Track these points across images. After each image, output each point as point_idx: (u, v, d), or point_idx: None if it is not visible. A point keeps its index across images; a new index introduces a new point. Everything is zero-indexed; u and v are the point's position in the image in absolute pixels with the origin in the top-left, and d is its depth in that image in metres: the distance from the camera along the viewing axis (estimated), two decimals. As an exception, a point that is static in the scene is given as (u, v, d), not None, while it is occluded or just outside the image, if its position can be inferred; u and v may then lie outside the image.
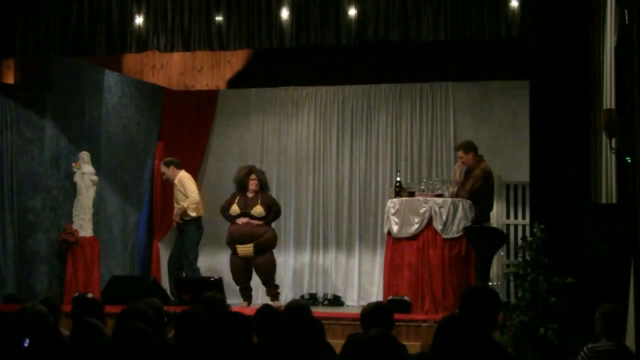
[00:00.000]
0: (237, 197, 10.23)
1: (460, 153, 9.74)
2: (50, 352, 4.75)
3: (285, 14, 8.71)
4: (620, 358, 5.41)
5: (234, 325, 4.51)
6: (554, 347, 6.82)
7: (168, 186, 12.15)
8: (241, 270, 10.12)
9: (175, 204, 10.88)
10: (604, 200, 7.35)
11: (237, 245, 10.02)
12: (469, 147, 9.72)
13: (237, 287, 10.39)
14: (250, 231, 10.03)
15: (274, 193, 12.02)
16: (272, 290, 10.16)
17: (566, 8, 7.79)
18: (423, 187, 9.74)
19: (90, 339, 4.38)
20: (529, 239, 7.26)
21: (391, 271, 9.39)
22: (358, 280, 11.61)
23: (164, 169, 10.99)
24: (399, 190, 9.54)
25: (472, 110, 11.51)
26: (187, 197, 10.75)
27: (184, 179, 10.86)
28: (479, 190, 9.49)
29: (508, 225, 11.17)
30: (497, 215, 11.08)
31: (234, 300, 9.93)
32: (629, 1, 5.90)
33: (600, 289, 6.76)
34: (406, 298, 9.01)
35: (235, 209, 10.16)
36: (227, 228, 10.27)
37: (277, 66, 11.67)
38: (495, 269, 10.40)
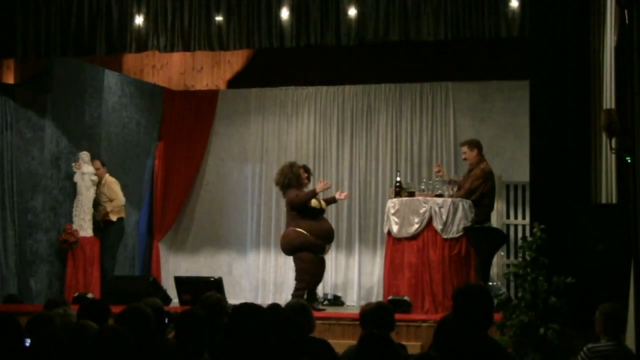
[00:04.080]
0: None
1: (465, 149, 9.78)
2: (52, 352, 4.75)
3: (285, 14, 8.72)
4: (620, 358, 5.41)
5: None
6: (554, 347, 6.82)
7: (168, 186, 12.17)
8: (320, 270, 9.75)
9: (98, 203, 10.77)
10: (604, 200, 7.35)
11: (327, 245, 9.69)
12: (474, 145, 9.75)
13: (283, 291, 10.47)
14: (332, 228, 9.91)
15: (273, 193, 12.06)
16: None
17: (566, 8, 7.78)
18: (423, 187, 9.74)
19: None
20: (529, 239, 7.26)
21: (391, 271, 9.39)
22: (358, 280, 11.61)
23: (98, 164, 10.76)
24: (399, 190, 9.54)
25: (472, 110, 11.52)
26: (111, 200, 10.69)
27: (111, 182, 10.83)
28: (477, 189, 9.49)
29: (508, 225, 11.17)
30: (497, 215, 11.08)
31: (236, 301, 9.91)
32: (629, 1, 5.90)
33: (600, 289, 6.76)
34: (406, 298, 9.01)
35: (316, 202, 9.68)
36: (312, 225, 9.57)
37: (277, 66, 11.67)
38: (495, 269, 10.40)
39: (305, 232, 9.51)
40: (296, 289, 9.60)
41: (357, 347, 4.21)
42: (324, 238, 9.62)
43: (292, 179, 9.69)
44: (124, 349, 4.10)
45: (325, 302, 10.85)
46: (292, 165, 9.86)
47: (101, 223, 10.76)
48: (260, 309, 4.74)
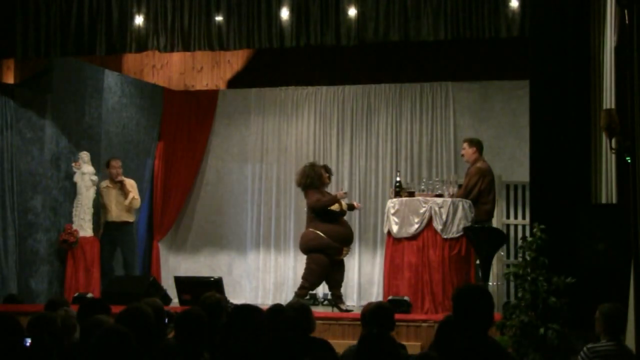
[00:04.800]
0: (326, 193, 9.71)
1: (464, 145, 9.82)
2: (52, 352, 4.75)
3: (285, 14, 8.72)
4: (620, 358, 5.41)
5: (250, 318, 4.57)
6: (554, 347, 6.82)
7: (168, 186, 12.16)
8: (329, 272, 9.61)
9: (112, 203, 10.70)
10: (604, 200, 7.35)
11: (345, 248, 9.60)
12: (473, 143, 9.77)
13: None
14: (351, 231, 9.82)
15: (273, 193, 12.06)
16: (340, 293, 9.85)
17: (566, 8, 7.79)
18: (423, 187, 9.73)
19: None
20: (529, 239, 7.26)
21: (391, 271, 9.38)
22: (358, 280, 11.61)
23: (120, 163, 10.78)
24: (399, 190, 9.53)
25: (472, 110, 11.52)
26: (134, 197, 10.69)
27: (131, 181, 10.87)
28: (474, 187, 9.49)
29: (508, 225, 11.17)
30: (497, 215, 11.08)
31: (236, 301, 9.90)
32: (629, 1, 5.90)
33: (600, 289, 6.76)
34: (406, 298, 9.00)
35: (337, 205, 9.62)
36: (330, 228, 9.48)
37: (277, 66, 11.67)
38: (495, 269, 10.40)
39: (322, 234, 9.48)
40: (301, 287, 9.59)
41: (357, 347, 4.21)
42: (341, 241, 9.53)
43: (314, 179, 9.65)
44: (127, 350, 4.09)
45: (325, 302, 10.85)
46: (313, 166, 9.81)
47: (112, 224, 10.71)
48: (258, 310, 4.74)
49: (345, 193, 9.83)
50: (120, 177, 10.68)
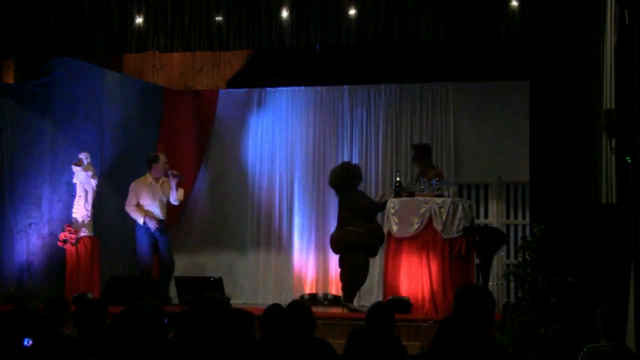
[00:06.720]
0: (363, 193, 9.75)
1: (415, 155, 10.04)
2: (52, 352, 4.75)
3: (285, 14, 8.72)
4: (620, 358, 5.41)
5: (237, 321, 4.55)
6: (554, 347, 6.82)
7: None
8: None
9: (159, 202, 10.60)
10: (604, 200, 7.35)
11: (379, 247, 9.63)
12: (421, 151, 9.99)
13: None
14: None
15: (276, 193, 12.06)
16: None
17: (566, 8, 7.79)
18: (423, 187, 9.74)
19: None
20: (529, 239, 7.26)
21: (391, 271, 9.39)
22: (358, 281, 11.59)
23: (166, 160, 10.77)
24: (399, 190, 9.54)
25: (472, 110, 11.51)
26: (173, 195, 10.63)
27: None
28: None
29: (508, 225, 11.17)
30: (497, 215, 11.09)
31: (236, 301, 9.91)
32: (629, 1, 5.91)
33: (600, 289, 6.77)
34: (406, 298, 9.01)
35: None
36: (371, 226, 9.55)
37: (277, 66, 11.67)
38: (495, 269, 10.40)
39: (364, 232, 9.39)
40: (348, 290, 9.45)
41: (345, 343, 4.20)
42: (380, 239, 9.50)
43: (355, 178, 9.63)
44: (135, 348, 4.08)
45: (326, 302, 10.85)
46: (350, 164, 9.79)
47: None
48: (247, 314, 4.72)
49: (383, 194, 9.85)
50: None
